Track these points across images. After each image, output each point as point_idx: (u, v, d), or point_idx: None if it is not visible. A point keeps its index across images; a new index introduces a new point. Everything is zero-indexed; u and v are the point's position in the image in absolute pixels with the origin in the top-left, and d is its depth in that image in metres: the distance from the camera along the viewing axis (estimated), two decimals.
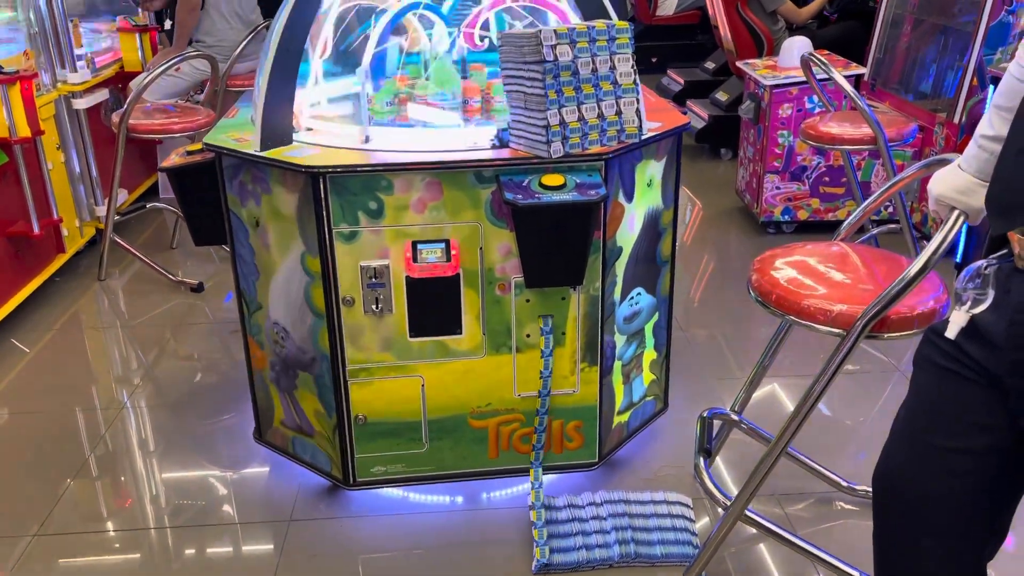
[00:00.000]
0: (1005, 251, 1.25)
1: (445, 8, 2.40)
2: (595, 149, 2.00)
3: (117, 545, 2.30)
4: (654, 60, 8.30)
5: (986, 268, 1.28)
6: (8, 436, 2.80)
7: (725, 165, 5.53)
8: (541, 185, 1.95)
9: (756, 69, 4.22)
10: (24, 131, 3.28)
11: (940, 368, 1.35)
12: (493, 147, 2.05)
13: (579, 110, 1.95)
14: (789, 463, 2.41)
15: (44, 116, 3.58)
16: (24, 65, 3.44)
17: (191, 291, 3.74)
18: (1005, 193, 1.20)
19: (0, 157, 3.35)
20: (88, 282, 3.88)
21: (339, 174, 1.97)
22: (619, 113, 2.01)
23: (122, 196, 4.19)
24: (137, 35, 4.58)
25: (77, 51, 4.04)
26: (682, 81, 6.39)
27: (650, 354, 2.46)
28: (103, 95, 4.19)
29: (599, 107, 1.98)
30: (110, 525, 2.37)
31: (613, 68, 1.99)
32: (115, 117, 3.70)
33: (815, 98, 3.90)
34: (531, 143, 1.97)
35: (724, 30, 5.44)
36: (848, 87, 3.07)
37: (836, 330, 1.75)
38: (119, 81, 4.47)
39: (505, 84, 2.01)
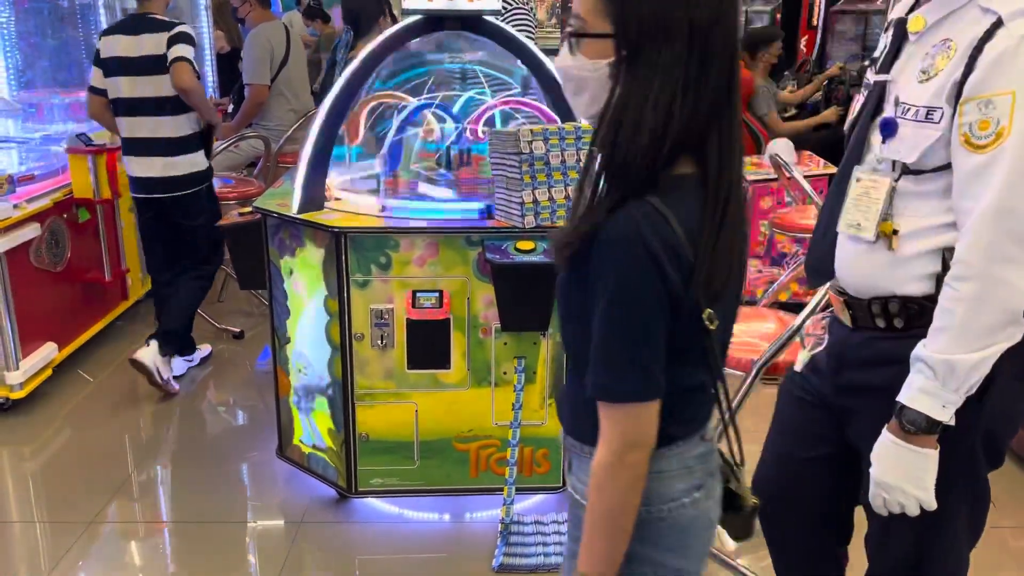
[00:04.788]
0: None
1: (456, 108, 2.95)
2: (562, 223, 2.49)
3: (151, 537, 2.76)
4: None
5: (823, 319, 1.74)
6: (68, 451, 3.31)
7: None
8: (516, 248, 2.44)
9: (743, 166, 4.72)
10: (106, 194, 3.88)
11: (794, 396, 1.78)
12: (481, 217, 2.56)
13: (549, 192, 2.46)
14: None
15: (121, 182, 4.19)
16: (110, 139, 4.07)
17: (233, 338, 4.27)
18: (814, 260, 1.66)
19: (83, 214, 3.95)
20: (146, 327, 4.41)
21: (357, 234, 2.49)
22: None
23: None
24: None
25: None
26: None
27: None
28: None
29: (566, 190, 2.48)
30: (144, 520, 2.83)
31: (579, 160, 2.50)
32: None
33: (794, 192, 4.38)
34: (510, 215, 2.47)
35: None
36: (804, 183, 3.55)
37: (739, 372, 2.19)
38: None
39: (492, 169, 2.53)
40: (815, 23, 7.75)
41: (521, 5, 4.61)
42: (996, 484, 2.96)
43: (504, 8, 4.31)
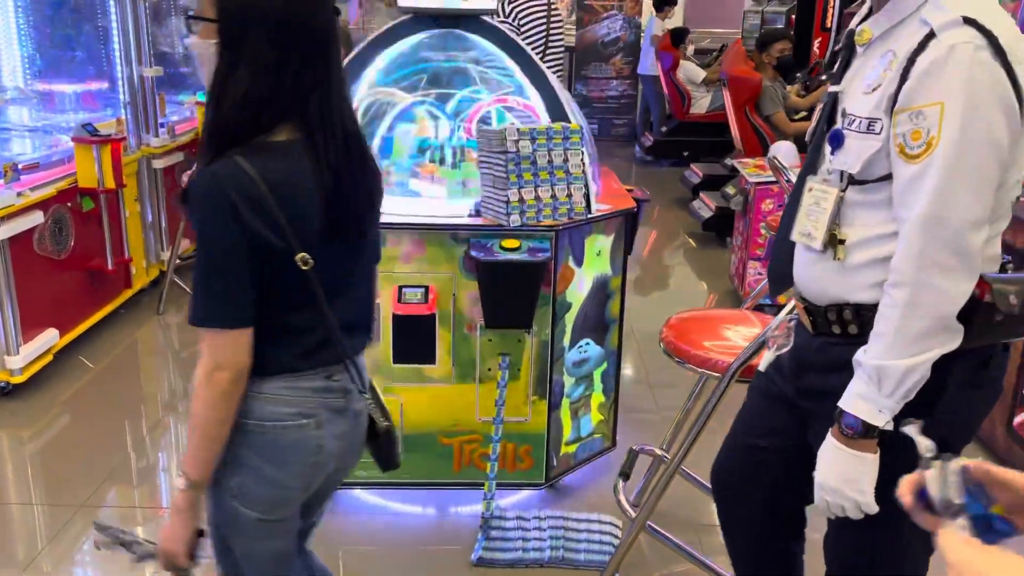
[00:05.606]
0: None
1: (449, 106, 2.98)
2: (547, 222, 2.52)
3: (145, 522, 2.81)
4: (685, 153, 8.86)
5: (789, 322, 1.75)
6: (67, 435, 3.37)
7: (728, 253, 5.98)
8: (501, 247, 2.46)
9: (746, 167, 4.73)
10: (110, 184, 3.94)
11: (758, 390, 1.80)
12: (469, 216, 2.58)
13: (535, 191, 2.48)
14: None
15: (127, 172, 4.26)
16: (116, 130, 4.13)
17: None
18: (775, 267, 1.67)
19: (87, 203, 4.01)
20: (148, 315, 4.50)
21: None
22: (569, 196, 2.53)
23: (184, 244, 4.83)
24: None
25: (160, 119, 4.76)
26: (700, 174, 6.92)
27: (598, 397, 2.91)
28: (178, 157, 4.90)
29: (552, 190, 2.50)
30: (140, 506, 2.89)
31: (566, 160, 2.52)
32: (186, 177, 4.36)
33: None
34: (496, 214, 2.50)
35: (734, 130, 5.97)
36: None
37: (715, 374, 2.21)
38: (194, 146, 5.17)
39: (479, 167, 2.56)
40: (829, 25, 7.70)
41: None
42: None
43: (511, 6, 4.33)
